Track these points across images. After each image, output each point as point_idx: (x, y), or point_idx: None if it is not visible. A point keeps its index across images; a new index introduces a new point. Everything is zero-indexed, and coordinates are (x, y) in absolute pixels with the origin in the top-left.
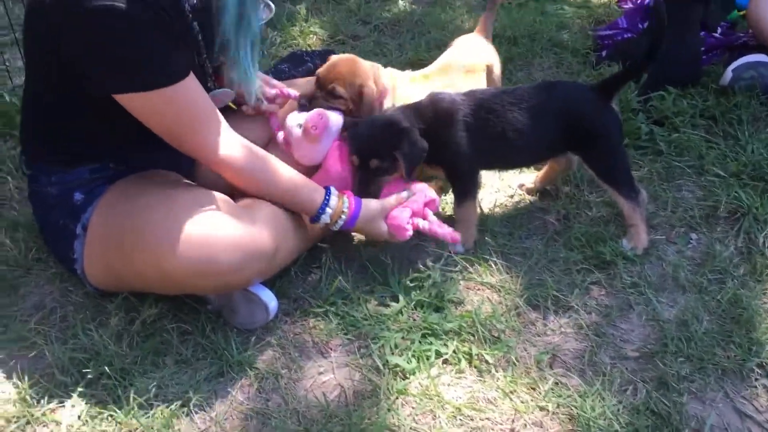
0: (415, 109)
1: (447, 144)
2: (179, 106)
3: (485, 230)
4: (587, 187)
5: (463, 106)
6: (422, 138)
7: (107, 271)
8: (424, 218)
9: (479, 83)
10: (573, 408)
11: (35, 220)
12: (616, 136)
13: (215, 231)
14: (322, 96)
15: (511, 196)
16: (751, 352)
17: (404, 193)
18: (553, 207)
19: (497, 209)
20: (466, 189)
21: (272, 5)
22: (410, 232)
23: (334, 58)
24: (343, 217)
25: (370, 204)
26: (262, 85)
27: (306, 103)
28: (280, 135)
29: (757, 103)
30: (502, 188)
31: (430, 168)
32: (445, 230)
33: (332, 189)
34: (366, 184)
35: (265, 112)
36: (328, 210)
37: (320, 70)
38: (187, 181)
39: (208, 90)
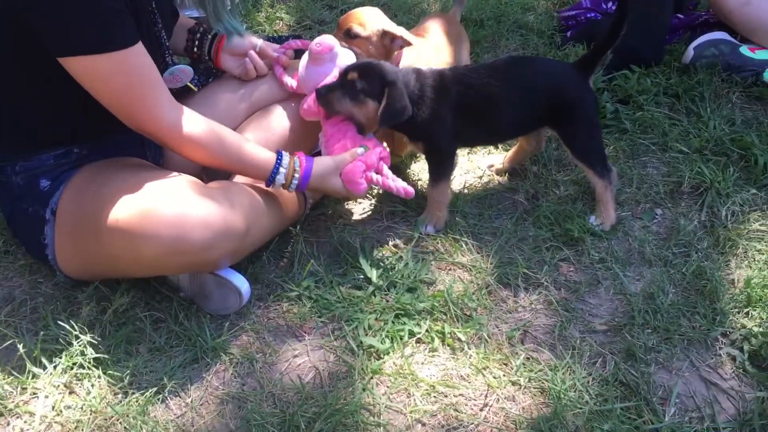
0: (412, 75)
1: (430, 119)
2: (129, 73)
3: (456, 211)
4: (554, 166)
5: (447, 81)
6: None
7: (78, 256)
8: (379, 172)
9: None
10: (544, 381)
11: (2, 211)
12: (593, 114)
13: (186, 210)
14: (340, 38)
15: (480, 177)
16: (715, 322)
17: (359, 149)
18: (521, 186)
19: (467, 190)
20: (442, 168)
21: None
22: (364, 186)
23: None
24: (296, 176)
25: (323, 161)
26: (265, 48)
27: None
28: (287, 79)
29: (719, 80)
30: (471, 169)
31: (410, 143)
32: (398, 184)
33: (283, 152)
34: (330, 90)
35: (274, 69)
36: (282, 170)
37: (341, 18)
38: (154, 165)
39: (165, 65)
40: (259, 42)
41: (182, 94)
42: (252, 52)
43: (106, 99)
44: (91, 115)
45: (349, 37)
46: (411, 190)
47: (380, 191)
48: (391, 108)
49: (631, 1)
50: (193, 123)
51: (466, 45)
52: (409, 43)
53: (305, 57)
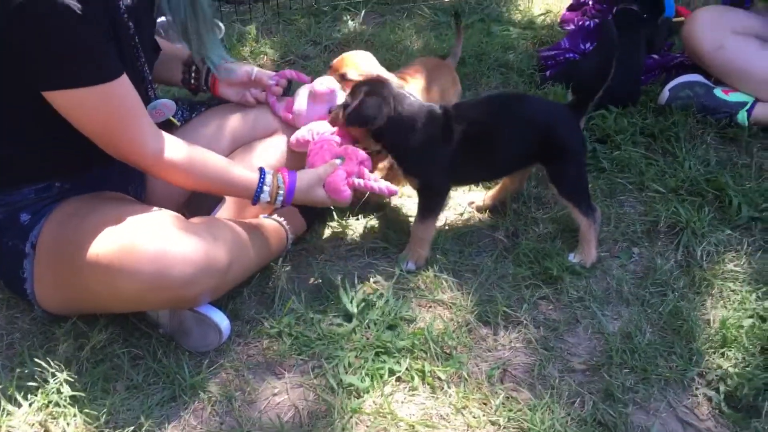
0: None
1: (425, 154)
2: (112, 105)
3: (436, 248)
4: (534, 204)
5: (449, 118)
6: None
7: (57, 290)
8: (361, 176)
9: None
10: (523, 421)
11: None
12: (582, 154)
13: (167, 245)
14: (335, 77)
15: (461, 214)
16: (691, 362)
17: (337, 160)
18: (501, 224)
19: (447, 227)
20: (432, 206)
21: (221, 25)
22: (348, 193)
23: (346, 54)
24: (281, 192)
25: (306, 173)
26: (261, 77)
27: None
28: (280, 109)
29: (694, 121)
30: (452, 206)
31: (404, 177)
32: (381, 185)
33: (265, 168)
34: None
35: (267, 97)
36: (266, 188)
37: (333, 61)
38: (136, 200)
39: (148, 99)
40: (254, 70)
41: (165, 129)
42: (253, 90)
43: (89, 130)
44: (73, 150)
45: (343, 80)
46: (394, 188)
47: (366, 207)
48: (358, 110)
49: (606, 43)
50: (176, 149)
51: (456, 90)
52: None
53: (303, 92)
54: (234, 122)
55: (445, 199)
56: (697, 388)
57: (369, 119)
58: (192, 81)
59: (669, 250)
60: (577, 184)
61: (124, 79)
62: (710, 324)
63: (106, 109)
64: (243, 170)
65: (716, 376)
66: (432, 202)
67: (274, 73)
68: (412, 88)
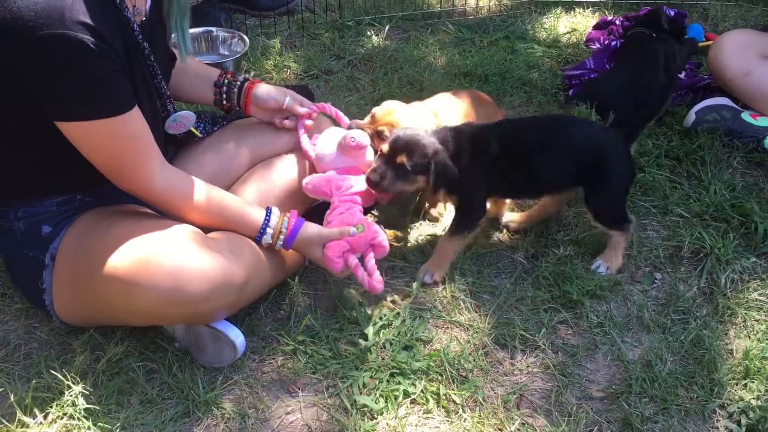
0: (448, 133)
1: (468, 173)
2: (121, 138)
3: (455, 268)
4: (555, 225)
5: (488, 137)
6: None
7: (75, 301)
8: (365, 257)
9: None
10: None
11: (1, 256)
12: (625, 183)
13: (185, 261)
14: (370, 131)
15: (480, 235)
16: (713, 394)
17: (352, 229)
18: (521, 245)
19: (467, 247)
20: (467, 223)
21: (246, 39)
22: (340, 265)
23: (390, 103)
24: (282, 237)
25: (311, 228)
26: (293, 107)
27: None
28: (307, 145)
29: (720, 145)
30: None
31: (446, 195)
32: (373, 279)
33: (273, 209)
34: (382, 175)
35: (297, 126)
36: (269, 230)
37: (377, 109)
38: (155, 213)
39: (167, 113)
40: (286, 99)
41: (187, 140)
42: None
43: (97, 161)
44: (94, 169)
45: (378, 137)
46: (379, 287)
47: None
48: (440, 178)
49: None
50: (183, 185)
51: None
52: None
53: (331, 135)
54: (255, 137)
55: (482, 216)
56: (718, 420)
57: (452, 176)
58: (225, 102)
59: (692, 276)
60: (612, 213)
61: (135, 114)
62: (733, 354)
63: (114, 142)
64: (250, 209)
65: (738, 408)
66: (468, 219)
67: (312, 104)
68: (448, 115)
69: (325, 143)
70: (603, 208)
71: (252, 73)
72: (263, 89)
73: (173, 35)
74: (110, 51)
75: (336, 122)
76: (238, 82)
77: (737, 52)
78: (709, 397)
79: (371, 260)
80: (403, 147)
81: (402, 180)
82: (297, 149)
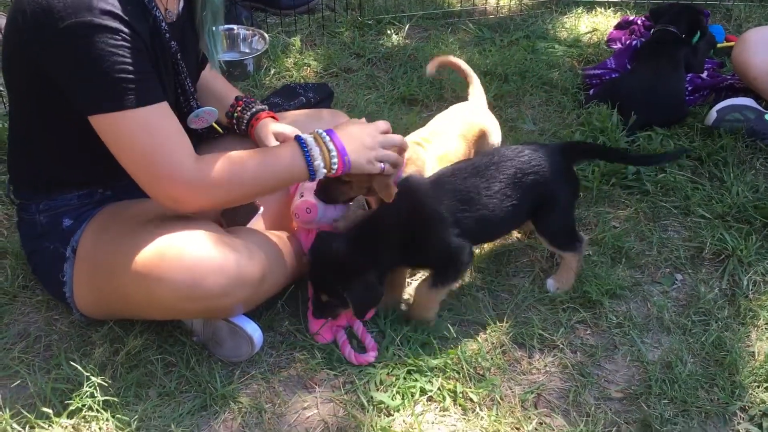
0: (387, 212)
1: (432, 242)
2: (151, 130)
3: (472, 266)
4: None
5: (441, 194)
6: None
7: (95, 294)
8: (352, 325)
9: (471, 148)
10: None
11: (22, 247)
12: (572, 200)
13: (203, 255)
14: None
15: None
16: (734, 396)
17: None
18: (540, 245)
19: (485, 245)
20: (453, 275)
21: (267, 36)
22: (324, 340)
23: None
24: (333, 152)
25: (342, 123)
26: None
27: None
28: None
29: (743, 146)
30: None
31: (415, 269)
32: (351, 355)
33: (302, 136)
34: (321, 309)
35: None
36: (315, 155)
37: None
38: None
39: (190, 108)
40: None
41: (209, 136)
42: None
43: (128, 159)
44: (115, 163)
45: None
46: (371, 359)
47: None
48: (361, 302)
49: (646, 62)
50: (220, 165)
51: (494, 131)
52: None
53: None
54: (275, 132)
55: (466, 267)
56: (739, 423)
57: (378, 298)
58: (233, 121)
59: (713, 278)
60: (561, 232)
61: (165, 105)
62: (755, 357)
63: (146, 135)
64: (282, 153)
65: (759, 411)
66: (453, 272)
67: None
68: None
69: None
70: (554, 233)
71: (273, 71)
72: (263, 131)
73: (206, 40)
74: (138, 41)
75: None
76: (245, 119)
77: (763, 49)
78: (729, 399)
79: (360, 327)
80: (321, 281)
81: (340, 309)
82: None
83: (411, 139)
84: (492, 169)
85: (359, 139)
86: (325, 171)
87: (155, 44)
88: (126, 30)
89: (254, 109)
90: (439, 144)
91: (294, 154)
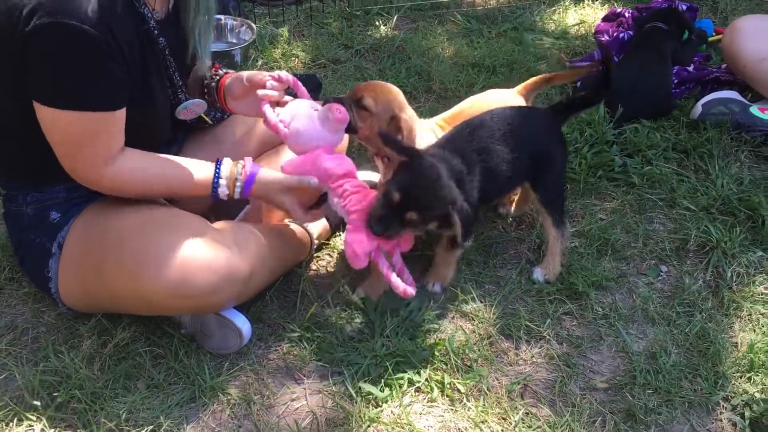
0: (447, 153)
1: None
2: (91, 132)
3: (461, 258)
4: None
5: (449, 156)
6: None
7: (81, 291)
8: (392, 255)
9: None
10: None
11: (9, 240)
12: (563, 162)
13: (192, 253)
14: (348, 101)
15: (487, 226)
16: (717, 386)
17: (313, 180)
18: (527, 237)
19: (473, 237)
20: (467, 234)
21: (254, 26)
22: (363, 264)
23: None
24: (238, 185)
25: (267, 173)
26: (253, 78)
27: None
28: (270, 114)
29: (728, 139)
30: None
31: (436, 228)
32: (398, 284)
33: (225, 159)
34: (386, 225)
35: (261, 101)
36: (222, 180)
37: (359, 84)
38: (164, 202)
39: (179, 101)
40: (244, 75)
41: (198, 126)
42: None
43: (56, 145)
44: None
45: (358, 106)
46: (412, 292)
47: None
48: (466, 226)
49: (633, 55)
50: (129, 173)
51: None
52: (408, 137)
53: (303, 110)
54: (263, 126)
55: (476, 222)
56: (721, 413)
57: (474, 221)
58: (206, 96)
59: (698, 269)
60: (556, 194)
61: (115, 115)
62: (738, 347)
63: (81, 134)
64: (201, 168)
65: (742, 401)
66: (469, 227)
67: (268, 73)
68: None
69: (297, 119)
70: (550, 197)
71: (260, 62)
72: (231, 77)
73: (196, 39)
74: (111, 45)
75: (294, 93)
76: (215, 82)
77: (752, 37)
78: (713, 389)
79: (399, 261)
80: (415, 203)
81: (413, 228)
82: None
83: (434, 121)
84: (495, 128)
85: (271, 198)
86: (227, 194)
87: (143, 38)
88: (100, 33)
89: (221, 73)
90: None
91: (205, 178)
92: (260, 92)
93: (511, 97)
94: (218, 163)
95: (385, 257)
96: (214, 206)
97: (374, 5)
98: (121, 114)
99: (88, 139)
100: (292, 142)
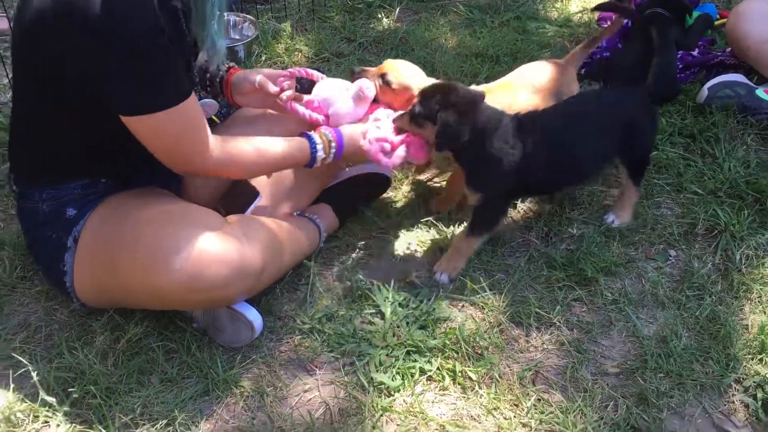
0: (486, 117)
1: (492, 164)
2: (184, 123)
3: (474, 253)
4: (569, 204)
5: (520, 126)
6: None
7: (95, 285)
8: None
9: (545, 102)
10: (555, 424)
11: (24, 237)
12: (654, 137)
13: (204, 247)
14: (374, 75)
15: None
16: (728, 368)
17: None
18: (535, 224)
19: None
20: (489, 222)
21: (257, 22)
22: (386, 161)
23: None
24: (333, 145)
25: (348, 129)
26: (264, 85)
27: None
28: (302, 110)
29: (734, 122)
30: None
31: (467, 188)
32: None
33: (310, 133)
34: (413, 119)
35: (283, 103)
36: (318, 146)
37: (388, 60)
38: (176, 198)
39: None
40: (257, 79)
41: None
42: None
43: (158, 148)
44: (123, 156)
45: (383, 81)
46: (392, 163)
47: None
48: (446, 131)
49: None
50: (233, 155)
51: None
52: None
53: (336, 92)
54: (270, 118)
55: (504, 216)
56: (733, 395)
57: (458, 139)
58: (208, 87)
59: (707, 253)
60: (645, 165)
61: (193, 97)
62: (748, 329)
63: (177, 128)
64: (293, 141)
65: (754, 382)
66: (490, 218)
67: (280, 72)
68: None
69: (334, 103)
70: (639, 164)
71: (264, 57)
72: (239, 74)
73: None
74: (169, 40)
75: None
76: (219, 76)
77: (756, 19)
78: (724, 371)
79: (402, 147)
80: (425, 91)
81: (414, 122)
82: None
83: (477, 87)
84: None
85: (358, 147)
86: (323, 159)
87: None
88: (164, 33)
89: (225, 67)
90: (503, 95)
91: (303, 150)
92: (284, 96)
93: (556, 67)
94: (305, 135)
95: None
96: (223, 198)
97: None
98: (194, 97)
99: (184, 131)
100: (333, 123)
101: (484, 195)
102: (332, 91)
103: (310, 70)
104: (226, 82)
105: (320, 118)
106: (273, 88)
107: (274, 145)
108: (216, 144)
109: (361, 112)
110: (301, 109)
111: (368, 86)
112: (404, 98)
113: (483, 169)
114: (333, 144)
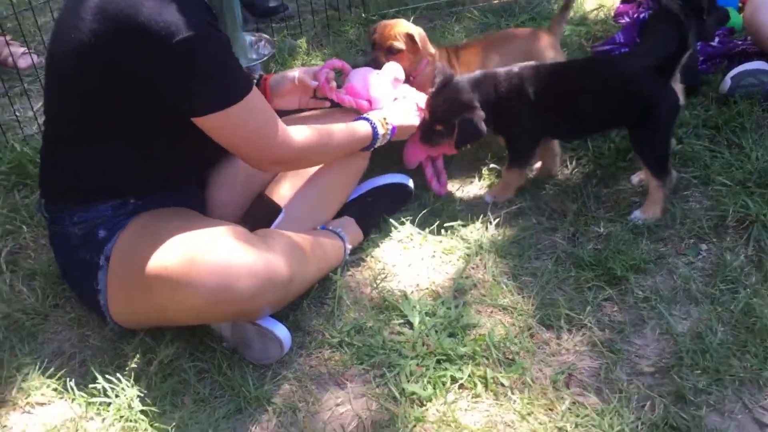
0: (486, 80)
1: (511, 117)
2: (258, 111)
3: (494, 252)
4: (593, 203)
5: (532, 80)
6: (489, 110)
7: (127, 302)
8: (435, 160)
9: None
10: (591, 427)
11: (57, 262)
12: (670, 117)
13: (232, 259)
14: (381, 56)
15: (518, 216)
16: (766, 362)
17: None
18: (561, 225)
19: (506, 230)
20: (519, 158)
21: (274, 41)
22: (413, 167)
23: (382, 21)
24: (389, 121)
25: (395, 106)
26: (304, 79)
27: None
28: (350, 101)
29: (760, 110)
30: (502, 205)
31: (495, 136)
32: (432, 178)
33: (366, 116)
34: (429, 136)
35: (327, 94)
36: (378, 125)
37: (374, 35)
38: (202, 215)
39: None
40: (296, 76)
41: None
42: (304, 100)
43: (241, 143)
44: (151, 173)
45: (391, 53)
46: (442, 191)
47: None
48: (464, 134)
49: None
50: (309, 133)
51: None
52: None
53: (372, 78)
54: (314, 117)
55: (531, 153)
56: None
57: (478, 136)
58: None
59: (738, 245)
60: (659, 154)
61: (255, 88)
62: None
63: (254, 118)
64: (356, 125)
65: None
66: (518, 155)
67: (316, 68)
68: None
69: (375, 88)
70: (648, 150)
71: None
72: (276, 76)
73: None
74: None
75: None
76: (256, 83)
77: None
78: (763, 365)
79: (441, 164)
80: (436, 112)
81: (442, 138)
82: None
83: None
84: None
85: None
86: (383, 134)
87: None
88: (220, 31)
89: (258, 75)
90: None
91: (365, 130)
92: (326, 87)
93: (531, 32)
94: (367, 119)
95: (432, 162)
96: (246, 215)
97: (389, 8)
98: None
99: (262, 117)
100: (375, 106)
101: (507, 137)
102: (369, 79)
103: (343, 63)
104: (263, 88)
105: (365, 103)
106: (312, 82)
107: (339, 129)
108: (292, 130)
109: (396, 94)
110: (346, 97)
111: (396, 70)
112: (413, 50)
113: (499, 120)
114: (387, 119)
